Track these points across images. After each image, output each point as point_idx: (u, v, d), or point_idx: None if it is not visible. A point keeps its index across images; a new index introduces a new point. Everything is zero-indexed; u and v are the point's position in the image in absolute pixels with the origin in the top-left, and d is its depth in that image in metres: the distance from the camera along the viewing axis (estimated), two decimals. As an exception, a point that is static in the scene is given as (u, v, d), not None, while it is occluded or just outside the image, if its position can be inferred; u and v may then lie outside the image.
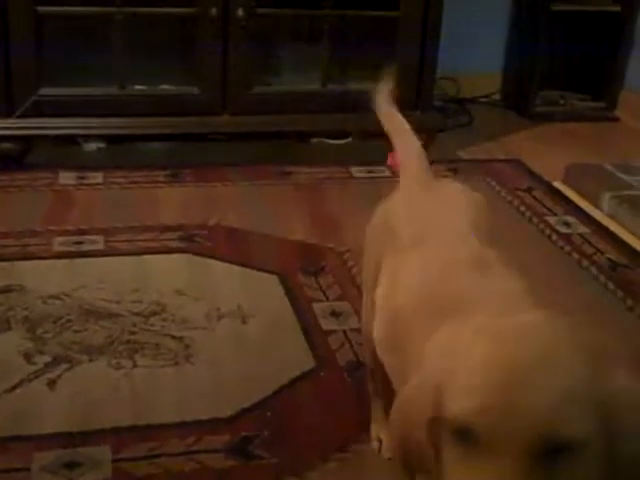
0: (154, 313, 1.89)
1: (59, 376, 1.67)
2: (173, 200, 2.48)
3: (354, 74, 2.83)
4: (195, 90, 2.70)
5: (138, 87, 2.72)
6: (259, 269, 2.10)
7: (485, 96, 3.60)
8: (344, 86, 2.83)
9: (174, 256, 2.16)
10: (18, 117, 2.60)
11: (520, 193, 2.65)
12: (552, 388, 0.78)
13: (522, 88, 3.53)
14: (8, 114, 2.61)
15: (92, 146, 2.81)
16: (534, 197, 2.62)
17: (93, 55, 2.63)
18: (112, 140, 2.80)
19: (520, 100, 3.54)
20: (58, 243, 2.18)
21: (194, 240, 2.22)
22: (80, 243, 2.19)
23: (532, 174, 2.81)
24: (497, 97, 3.66)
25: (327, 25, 2.73)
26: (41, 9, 2.52)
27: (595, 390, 0.79)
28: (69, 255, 2.13)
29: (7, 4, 2.49)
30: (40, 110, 2.61)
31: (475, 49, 3.42)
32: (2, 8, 2.48)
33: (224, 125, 2.74)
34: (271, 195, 2.55)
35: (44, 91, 2.61)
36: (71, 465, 1.44)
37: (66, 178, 2.57)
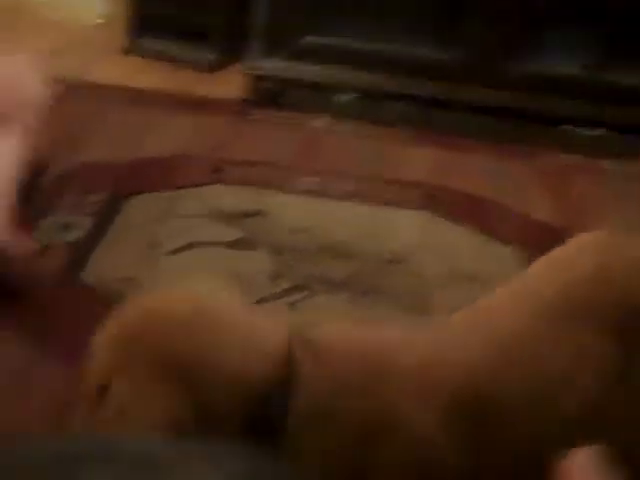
0: (393, 261, 1.92)
1: (298, 301, 1.74)
2: (416, 160, 2.49)
3: (627, 63, 2.71)
4: (453, 55, 2.69)
5: (392, 46, 2.74)
6: (498, 239, 2.08)
7: None
8: (612, 74, 2.72)
9: (414, 212, 2.18)
10: (282, 59, 2.69)
11: None
12: None
13: None
14: (271, 55, 2.72)
15: (344, 97, 2.86)
16: None
17: (362, 8, 2.68)
18: (364, 94, 2.85)
19: None
20: (305, 181, 2.26)
21: (434, 200, 2.23)
22: (326, 185, 2.25)
23: None
24: None
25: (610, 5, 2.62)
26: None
27: None
28: (315, 193, 2.20)
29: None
30: (303, 55, 2.70)
31: None
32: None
33: (479, 96, 2.72)
34: (514, 173, 2.51)
35: (310, 38, 2.69)
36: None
37: (318, 122, 2.65)
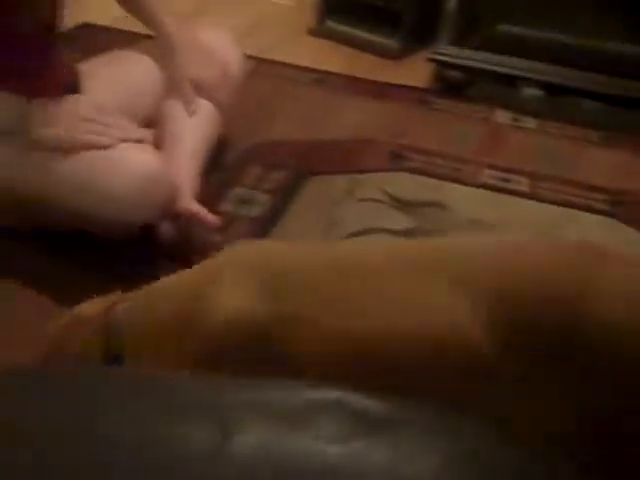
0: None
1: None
2: (602, 162, 2.40)
3: None
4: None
5: (584, 40, 2.64)
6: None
7: None
8: None
9: (597, 217, 2.09)
10: (472, 48, 2.65)
11: None
12: None
13: None
14: (460, 43, 2.68)
15: (530, 91, 2.79)
16: None
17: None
18: (551, 90, 2.77)
19: None
20: (486, 175, 2.22)
21: (621, 206, 2.14)
22: (506, 180, 2.20)
23: None
24: None
25: None
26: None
27: None
28: (495, 188, 2.16)
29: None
30: (493, 45, 2.64)
31: None
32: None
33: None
34: None
35: (501, 27, 2.63)
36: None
37: (501, 117, 2.60)
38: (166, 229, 1.72)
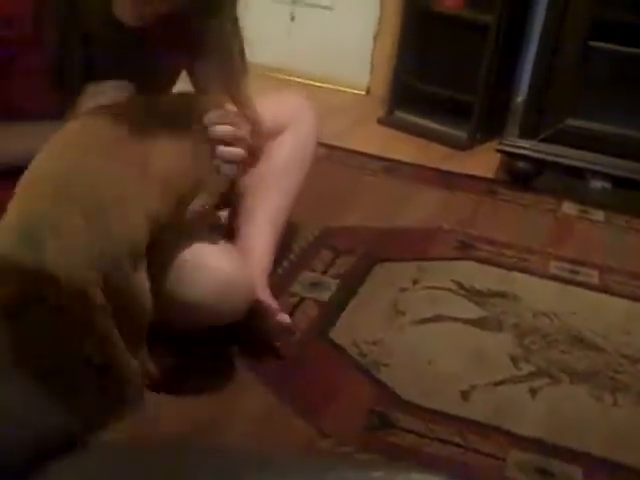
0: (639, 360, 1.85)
1: (540, 387, 1.71)
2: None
3: None
4: None
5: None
6: None
7: None
8: None
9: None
10: (540, 140, 2.69)
11: None
12: None
13: None
14: (529, 136, 2.72)
15: (598, 184, 2.81)
16: None
17: (625, 94, 2.64)
18: (618, 182, 2.78)
19: None
20: (554, 266, 2.23)
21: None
22: (575, 272, 2.21)
23: None
24: None
25: None
26: (593, 43, 2.58)
27: None
28: (563, 280, 2.16)
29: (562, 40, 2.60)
30: (560, 138, 2.68)
31: None
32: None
33: None
34: None
35: (569, 121, 2.67)
36: (543, 472, 1.47)
37: (569, 208, 2.62)
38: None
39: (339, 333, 1.79)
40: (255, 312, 1.64)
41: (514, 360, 1.78)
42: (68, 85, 1.47)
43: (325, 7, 3.46)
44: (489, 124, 3.03)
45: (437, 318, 1.90)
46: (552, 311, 1.99)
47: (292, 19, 3.51)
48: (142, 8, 1.41)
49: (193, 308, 1.49)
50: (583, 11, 2.61)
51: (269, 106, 1.75)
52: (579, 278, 2.18)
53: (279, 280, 1.94)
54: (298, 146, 1.91)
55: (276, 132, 1.86)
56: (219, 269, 1.52)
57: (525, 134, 2.73)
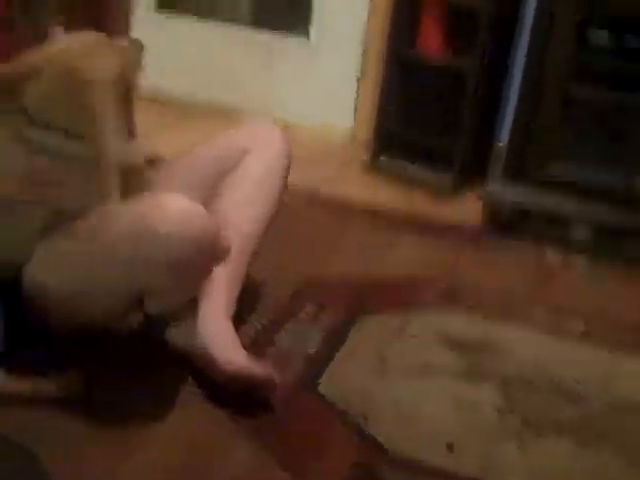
0: (624, 409, 1.85)
1: (526, 440, 1.70)
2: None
3: None
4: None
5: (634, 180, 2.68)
6: None
7: None
8: None
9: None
10: (521, 187, 2.72)
11: None
12: None
13: None
14: (511, 183, 2.74)
15: (581, 231, 2.83)
16: None
17: (606, 139, 2.67)
18: (602, 229, 2.80)
19: None
20: (535, 314, 2.23)
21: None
22: (557, 321, 2.22)
23: None
24: None
25: None
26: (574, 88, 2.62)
27: None
28: (545, 329, 2.17)
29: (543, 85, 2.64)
30: (541, 185, 2.70)
31: None
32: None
33: None
34: None
35: (551, 167, 2.70)
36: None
37: (553, 255, 2.64)
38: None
39: (325, 385, 1.78)
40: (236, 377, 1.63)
41: (500, 412, 1.78)
42: None
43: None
44: (472, 170, 3.05)
45: (423, 369, 1.90)
46: (535, 361, 2.00)
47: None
48: None
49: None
50: (564, 56, 2.65)
51: (233, 134, 1.80)
52: (562, 327, 2.19)
53: (263, 332, 1.93)
54: (264, 171, 1.86)
55: (237, 158, 1.85)
56: (175, 202, 1.53)
57: (507, 181, 2.75)
